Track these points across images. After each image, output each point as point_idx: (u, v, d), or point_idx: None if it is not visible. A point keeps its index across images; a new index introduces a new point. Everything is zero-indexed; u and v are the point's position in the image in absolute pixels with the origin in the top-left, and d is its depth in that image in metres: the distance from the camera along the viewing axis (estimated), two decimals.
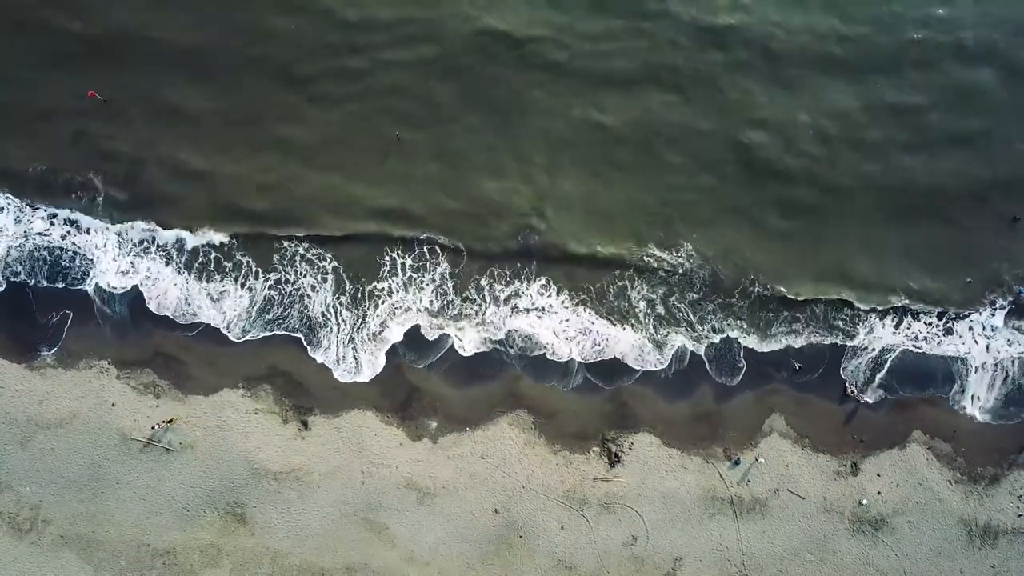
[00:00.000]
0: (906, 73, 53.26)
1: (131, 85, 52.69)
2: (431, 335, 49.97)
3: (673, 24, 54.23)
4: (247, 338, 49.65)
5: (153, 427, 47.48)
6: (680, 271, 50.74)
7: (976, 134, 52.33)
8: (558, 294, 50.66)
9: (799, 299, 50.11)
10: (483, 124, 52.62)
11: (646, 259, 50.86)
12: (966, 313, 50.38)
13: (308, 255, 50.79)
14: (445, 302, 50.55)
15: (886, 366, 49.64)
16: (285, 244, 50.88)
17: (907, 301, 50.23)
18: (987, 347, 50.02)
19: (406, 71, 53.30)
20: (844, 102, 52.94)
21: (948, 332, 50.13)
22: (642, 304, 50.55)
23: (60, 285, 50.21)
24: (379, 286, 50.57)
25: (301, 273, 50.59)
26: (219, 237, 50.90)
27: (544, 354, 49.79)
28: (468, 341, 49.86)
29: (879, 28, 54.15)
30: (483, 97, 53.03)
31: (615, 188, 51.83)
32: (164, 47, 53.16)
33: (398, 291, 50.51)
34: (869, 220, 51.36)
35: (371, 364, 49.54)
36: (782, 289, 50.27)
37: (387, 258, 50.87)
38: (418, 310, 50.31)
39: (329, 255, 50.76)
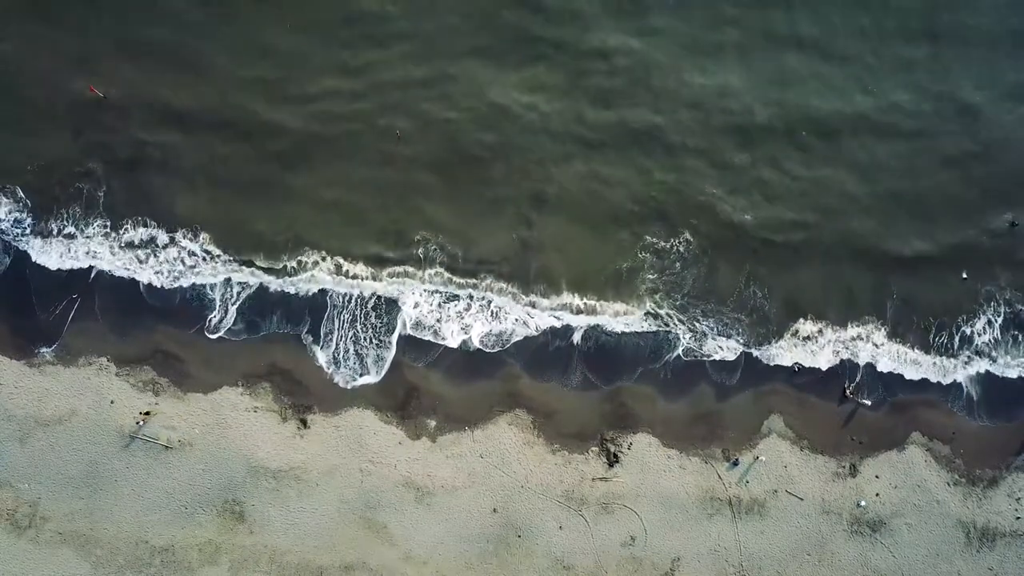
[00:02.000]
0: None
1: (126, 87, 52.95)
2: (431, 326, 50.13)
3: (650, 87, 54.33)
4: (247, 329, 49.76)
5: (138, 423, 47.55)
6: (677, 272, 51.28)
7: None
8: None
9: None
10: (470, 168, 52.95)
11: (642, 255, 51.31)
12: (965, 316, 50.58)
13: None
14: (444, 280, 50.90)
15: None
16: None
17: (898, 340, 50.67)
18: (986, 349, 50.10)
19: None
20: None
21: (949, 339, 50.38)
22: (643, 294, 50.92)
23: (60, 282, 50.13)
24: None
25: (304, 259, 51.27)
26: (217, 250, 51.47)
27: (546, 339, 49.95)
28: (471, 329, 49.99)
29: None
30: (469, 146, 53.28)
31: (596, 233, 52.05)
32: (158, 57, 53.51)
33: (399, 276, 50.91)
34: (856, 257, 51.78)
35: (377, 364, 49.60)
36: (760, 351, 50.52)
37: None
38: (420, 294, 50.55)
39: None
